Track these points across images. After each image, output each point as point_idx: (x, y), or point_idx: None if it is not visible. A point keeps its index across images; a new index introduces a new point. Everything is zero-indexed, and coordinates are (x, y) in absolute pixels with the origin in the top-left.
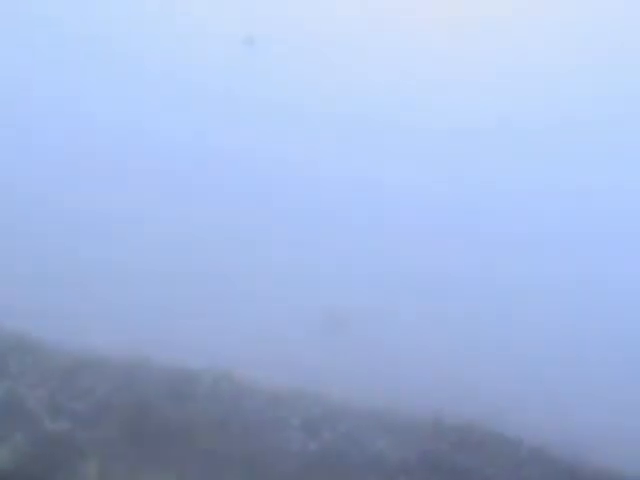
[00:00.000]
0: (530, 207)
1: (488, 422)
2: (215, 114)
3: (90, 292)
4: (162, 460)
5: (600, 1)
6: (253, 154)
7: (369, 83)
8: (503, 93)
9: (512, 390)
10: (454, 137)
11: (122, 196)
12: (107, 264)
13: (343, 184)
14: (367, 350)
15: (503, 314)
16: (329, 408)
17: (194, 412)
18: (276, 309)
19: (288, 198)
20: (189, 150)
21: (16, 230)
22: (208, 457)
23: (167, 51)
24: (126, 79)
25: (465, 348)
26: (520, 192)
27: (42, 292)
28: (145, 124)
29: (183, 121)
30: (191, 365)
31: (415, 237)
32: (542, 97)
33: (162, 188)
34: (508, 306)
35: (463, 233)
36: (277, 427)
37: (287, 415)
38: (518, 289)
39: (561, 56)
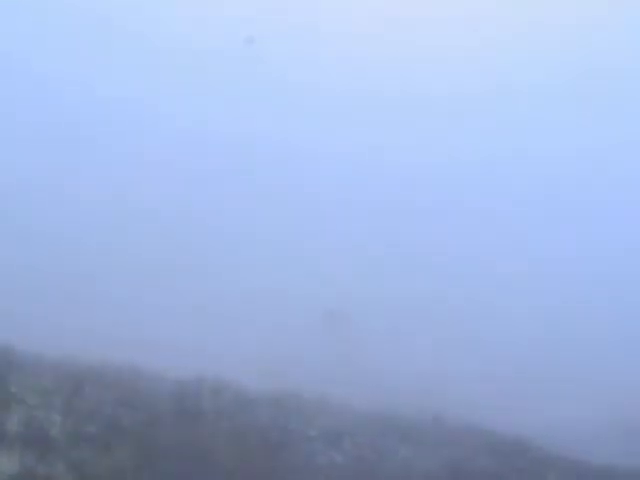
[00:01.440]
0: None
1: (483, 422)
2: (219, 99)
3: (74, 295)
4: None
5: None
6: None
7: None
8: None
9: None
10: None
11: (123, 190)
12: (92, 264)
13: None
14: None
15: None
16: (338, 414)
17: (208, 429)
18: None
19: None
20: (193, 138)
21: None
22: (236, 478)
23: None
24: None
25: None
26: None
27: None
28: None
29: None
30: (180, 372)
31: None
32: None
33: (161, 180)
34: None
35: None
36: (296, 440)
37: (302, 426)
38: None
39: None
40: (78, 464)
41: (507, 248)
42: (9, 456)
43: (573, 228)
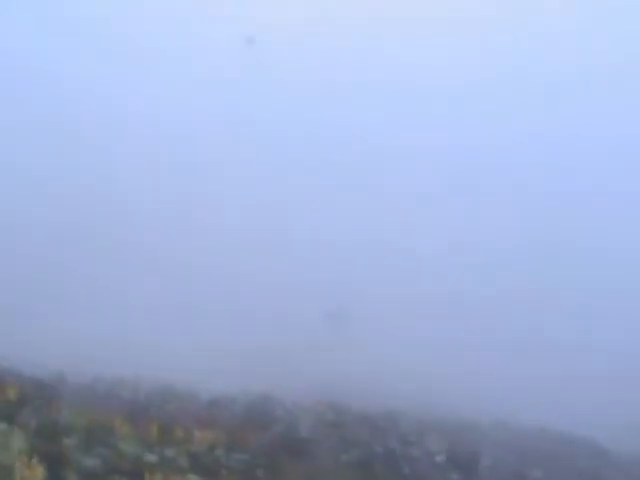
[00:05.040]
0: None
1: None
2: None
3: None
4: None
5: None
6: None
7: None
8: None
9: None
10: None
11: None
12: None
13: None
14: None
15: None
16: (414, 425)
17: (313, 463)
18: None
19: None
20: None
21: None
22: None
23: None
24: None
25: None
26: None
27: None
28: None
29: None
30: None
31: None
32: None
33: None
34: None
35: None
36: (408, 462)
37: (398, 444)
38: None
39: None
40: None
41: None
42: None
43: None
